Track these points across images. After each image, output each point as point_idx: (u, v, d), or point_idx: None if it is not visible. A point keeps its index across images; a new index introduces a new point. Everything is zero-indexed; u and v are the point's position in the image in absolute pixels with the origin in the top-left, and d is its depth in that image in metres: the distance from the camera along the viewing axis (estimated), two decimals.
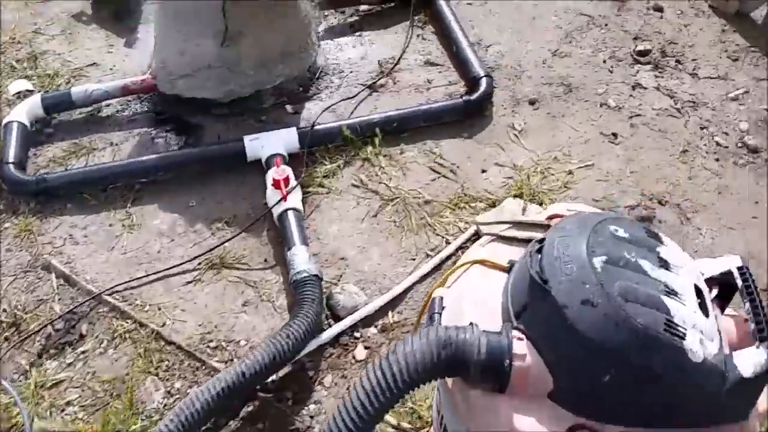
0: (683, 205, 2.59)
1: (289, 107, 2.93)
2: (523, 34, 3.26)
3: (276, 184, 2.43)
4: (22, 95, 2.93)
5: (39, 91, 2.93)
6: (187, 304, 2.30)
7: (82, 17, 3.26)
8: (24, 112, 2.73)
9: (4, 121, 2.70)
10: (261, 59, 2.79)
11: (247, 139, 2.63)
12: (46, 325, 2.23)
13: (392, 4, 3.33)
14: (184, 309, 2.29)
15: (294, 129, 2.68)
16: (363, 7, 3.32)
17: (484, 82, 2.87)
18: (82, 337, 2.24)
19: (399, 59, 3.12)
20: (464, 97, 2.84)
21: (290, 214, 2.40)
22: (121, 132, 2.84)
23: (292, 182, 2.48)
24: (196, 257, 2.40)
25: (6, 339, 2.22)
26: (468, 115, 2.85)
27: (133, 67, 3.05)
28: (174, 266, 2.38)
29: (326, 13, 3.32)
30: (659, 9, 3.40)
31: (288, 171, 2.48)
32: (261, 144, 2.63)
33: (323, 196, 2.62)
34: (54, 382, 2.12)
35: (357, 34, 3.26)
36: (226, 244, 2.43)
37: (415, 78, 3.06)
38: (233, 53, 2.72)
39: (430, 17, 3.28)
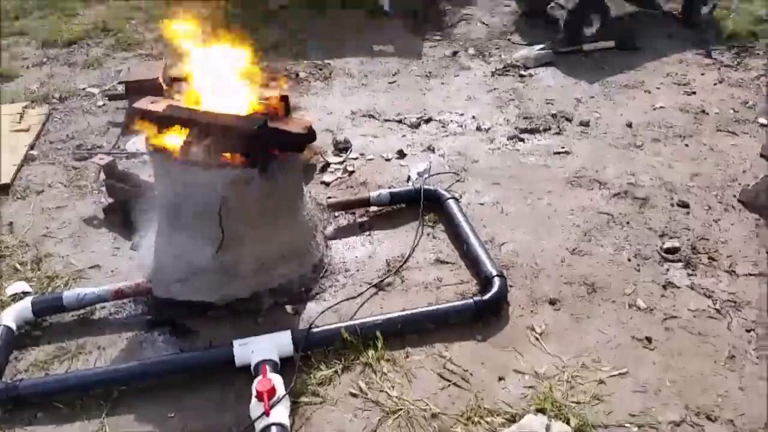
0: (737, 422, 2.18)
1: (289, 308, 2.75)
2: (538, 232, 3.13)
3: (259, 396, 2.16)
4: (17, 297, 2.86)
5: (36, 293, 2.87)
6: None
7: (93, 221, 3.30)
8: (11, 317, 2.62)
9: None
10: (259, 263, 2.69)
11: (236, 344, 2.43)
12: None
13: (402, 205, 3.30)
14: None
15: (288, 332, 2.47)
16: (373, 209, 3.29)
17: (497, 282, 2.68)
18: None
19: (408, 257, 2.99)
20: (476, 298, 2.63)
21: (273, 431, 2.09)
22: (111, 335, 2.68)
23: (279, 393, 2.20)
24: None
25: None
26: (481, 317, 2.61)
27: (134, 269, 2.98)
28: None
29: (336, 215, 3.29)
30: (685, 205, 3.27)
31: (274, 381, 2.22)
32: (251, 349, 2.41)
33: (317, 407, 2.31)
34: None
35: (366, 233, 3.18)
36: None
37: (425, 276, 2.89)
38: (230, 258, 2.64)
39: (440, 217, 3.22)
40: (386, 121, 4.21)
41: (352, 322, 2.55)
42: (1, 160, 3.75)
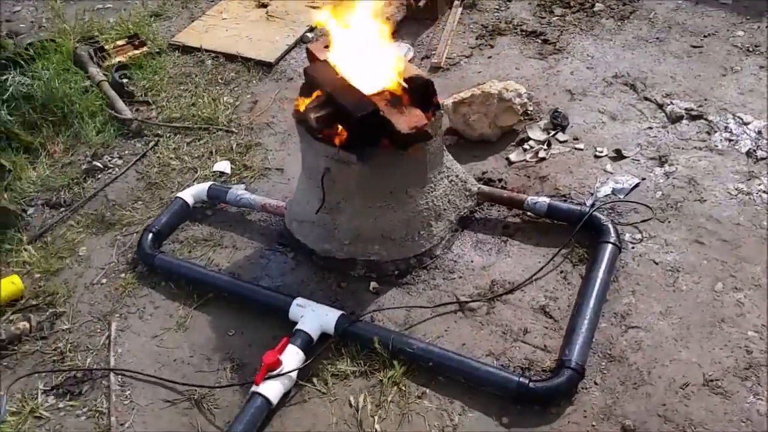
0: None
1: (373, 284, 2.77)
2: (690, 333, 2.39)
3: (262, 365, 2.36)
4: (218, 174, 3.48)
5: (235, 175, 3.44)
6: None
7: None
8: (191, 194, 3.25)
9: (176, 195, 3.26)
10: (355, 234, 2.71)
11: (295, 302, 2.61)
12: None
13: (563, 223, 2.80)
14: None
15: (337, 313, 2.54)
16: (530, 213, 2.88)
17: (566, 374, 2.22)
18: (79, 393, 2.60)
19: (514, 290, 2.63)
20: (522, 378, 2.24)
21: (256, 400, 2.31)
22: (249, 238, 3.12)
23: (284, 368, 2.37)
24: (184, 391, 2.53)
25: None
26: (521, 401, 2.24)
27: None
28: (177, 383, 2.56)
29: (493, 205, 2.98)
30: None
31: (286, 356, 2.38)
32: (303, 312, 2.58)
33: (317, 396, 2.43)
34: None
35: (503, 238, 2.85)
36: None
37: (514, 319, 2.54)
38: (330, 221, 2.72)
39: (590, 257, 2.65)
40: (646, 99, 3.39)
41: (393, 334, 2.47)
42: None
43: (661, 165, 3.03)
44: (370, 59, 2.58)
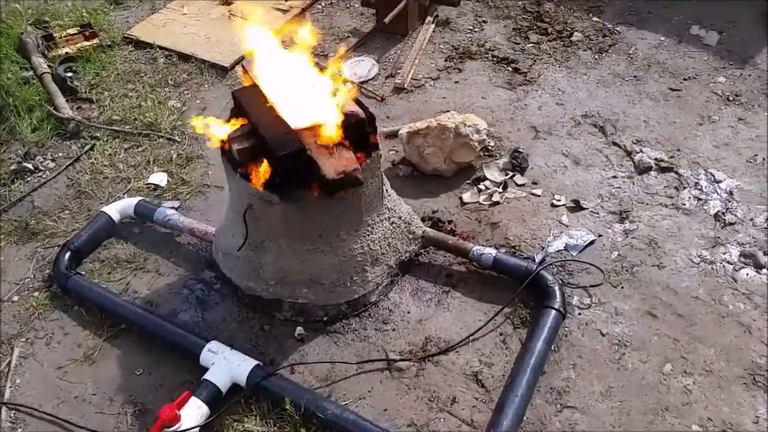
0: None
1: (299, 330, 2.54)
2: (629, 416, 2.17)
3: (156, 420, 2.13)
4: (152, 187, 3.23)
5: (171, 190, 3.19)
6: None
7: None
8: (117, 209, 2.99)
9: (101, 209, 3.00)
10: (281, 275, 2.48)
11: (207, 346, 2.38)
12: None
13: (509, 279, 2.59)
14: None
15: (251, 364, 2.32)
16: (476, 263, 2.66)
17: None
18: None
19: (446, 351, 2.41)
20: None
21: None
22: (173, 264, 2.88)
23: (182, 425, 2.14)
24: None
25: None
26: None
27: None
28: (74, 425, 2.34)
29: (432, 249, 2.76)
30: None
31: (184, 410, 2.16)
32: (215, 359, 2.35)
33: None
34: None
35: (445, 288, 2.63)
36: None
37: (443, 385, 2.32)
38: (255, 258, 2.48)
39: (532, 320, 2.44)
40: (614, 144, 3.17)
41: (308, 394, 2.24)
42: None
43: (621, 221, 2.82)
44: (306, 88, 2.33)
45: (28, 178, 3.34)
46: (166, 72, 3.90)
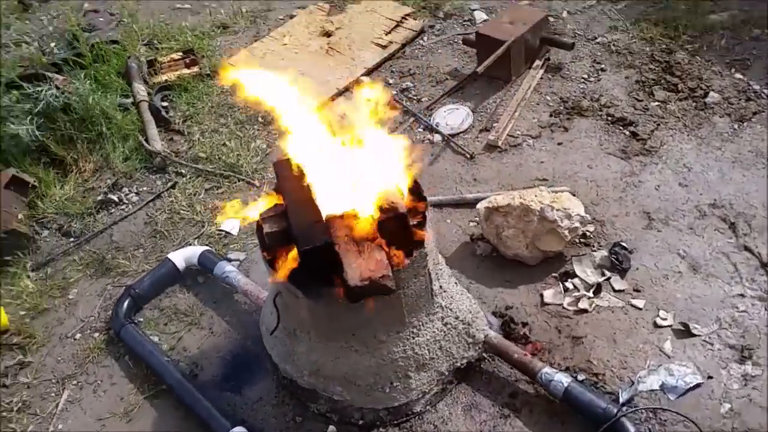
0: None
1: (332, 429, 2.32)
2: None
3: None
4: (223, 234, 3.15)
5: (242, 239, 3.10)
6: None
7: None
8: (183, 257, 2.95)
9: (168, 255, 2.95)
10: (316, 369, 2.27)
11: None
12: None
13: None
14: None
15: None
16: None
17: None
18: None
19: None
20: None
21: None
22: (226, 325, 2.78)
23: None
24: None
25: None
26: None
27: None
28: None
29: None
30: None
31: None
32: None
33: None
34: None
35: (504, 411, 2.28)
36: None
37: None
38: (289, 344, 2.29)
39: None
40: (746, 249, 2.61)
41: None
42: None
43: (741, 360, 2.29)
44: (348, 171, 2.07)
45: (112, 210, 3.41)
46: (258, 108, 3.81)
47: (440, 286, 2.26)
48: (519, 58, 3.60)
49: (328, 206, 2.04)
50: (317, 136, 2.16)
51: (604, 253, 2.69)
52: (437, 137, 3.46)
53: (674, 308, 2.49)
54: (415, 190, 2.20)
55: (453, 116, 3.55)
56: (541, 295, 2.62)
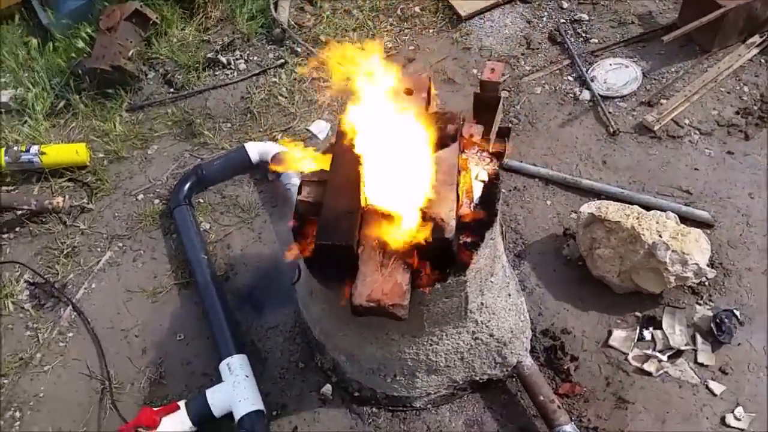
0: None
1: (326, 389, 2.35)
2: None
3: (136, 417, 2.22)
4: (309, 135, 3.12)
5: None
6: None
7: None
8: (257, 150, 2.95)
9: (244, 144, 3.00)
10: (325, 330, 2.25)
11: (227, 360, 2.35)
12: None
13: None
14: None
15: (252, 407, 2.24)
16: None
17: None
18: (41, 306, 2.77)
19: None
20: None
21: None
22: (274, 237, 2.82)
23: None
24: None
25: None
26: None
27: None
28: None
29: None
30: None
31: (167, 419, 2.22)
32: (227, 377, 2.32)
33: None
34: None
35: None
36: None
37: None
38: (306, 298, 2.27)
39: None
40: None
41: None
42: None
43: None
44: (409, 165, 1.87)
45: (217, 72, 3.47)
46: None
47: (482, 303, 2.05)
48: (733, 28, 2.93)
49: (376, 193, 1.85)
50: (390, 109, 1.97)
51: (709, 312, 2.29)
52: (585, 94, 3.04)
53: (758, 411, 2.10)
54: (488, 197, 1.99)
55: (617, 74, 3.07)
56: (609, 333, 2.32)
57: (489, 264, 2.03)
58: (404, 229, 1.79)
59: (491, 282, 2.09)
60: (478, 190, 2.01)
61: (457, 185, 1.89)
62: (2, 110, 3.48)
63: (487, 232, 1.90)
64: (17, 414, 2.48)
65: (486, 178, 2.03)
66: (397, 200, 1.84)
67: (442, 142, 1.95)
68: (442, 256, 1.80)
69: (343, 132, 1.98)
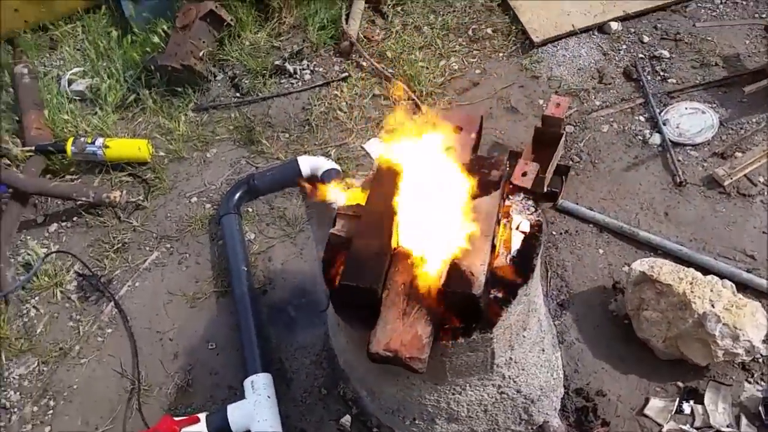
0: None
1: (345, 420, 2.34)
2: None
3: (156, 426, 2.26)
4: (364, 154, 3.10)
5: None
6: None
7: None
8: (309, 164, 2.97)
9: (297, 157, 3.01)
10: (347, 359, 2.22)
11: (250, 378, 2.38)
12: None
13: None
14: None
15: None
16: None
17: None
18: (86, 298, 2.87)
19: None
20: None
21: None
22: (315, 254, 2.79)
23: None
24: None
25: None
26: None
27: None
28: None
29: None
30: None
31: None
32: (249, 395, 2.35)
33: None
34: None
35: None
36: None
37: None
38: (335, 327, 2.25)
39: None
40: None
41: None
42: None
43: None
44: (445, 206, 1.81)
45: (283, 80, 3.49)
46: (476, 17, 3.48)
47: (510, 358, 1.97)
48: None
49: (409, 235, 1.83)
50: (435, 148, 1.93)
51: (758, 393, 2.14)
52: (656, 138, 2.89)
53: None
54: (527, 250, 1.92)
55: (692, 120, 2.89)
56: (646, 400, 2.20)
57: (522, 319, 1.96)
58: (432, 277, 1.75)
59: (523, 337, 2.02)
60: (517, 242, 1.94)
61: (494, 236, 1.83)
62: (78, 98, 3.63)
63: (521, 290, 1.83)
64: (51, 402, 2.58)
65: (527, 229, 1.96)
66: (429, 246, 1.80)
67: (484, 189, 1.89)
68: (468, 310, 1.74)
69: (382, 167, 1.95)
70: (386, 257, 1.80)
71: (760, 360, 2.21)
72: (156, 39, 3.64)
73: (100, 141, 3.22)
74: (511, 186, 2.15)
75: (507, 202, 2.01)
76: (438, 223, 1.81)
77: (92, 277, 2.90)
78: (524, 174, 2.56)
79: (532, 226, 1.96)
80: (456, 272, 1.72)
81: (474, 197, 1.86)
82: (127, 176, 3.26)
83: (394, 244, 1.84)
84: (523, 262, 1.89)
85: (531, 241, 1.93)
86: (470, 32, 3.45)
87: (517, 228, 1.96)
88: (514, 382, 2.05)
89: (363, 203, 1.95)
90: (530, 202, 2.05)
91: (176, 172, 3.23)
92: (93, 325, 2.76)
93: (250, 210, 3.01)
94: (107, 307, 2.81)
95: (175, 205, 3.11)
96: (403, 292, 1.76)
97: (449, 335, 1.77)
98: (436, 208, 1.83)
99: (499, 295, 1.83)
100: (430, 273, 1.75)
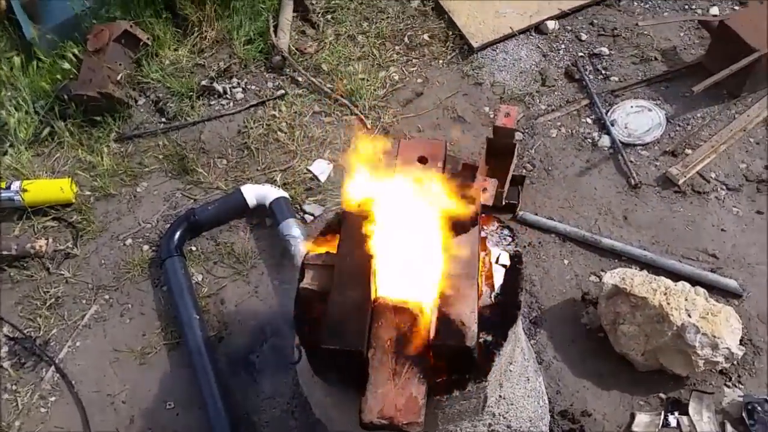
0: None
1: None
2: None
3: None
4: (310, 177, 2.96)
5: (329, 189, 2.91)
6: None
7: None
8: (255, 194, 2.80)
9: (240, 188, 2.84)
10: (327, 417, 2.10)
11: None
12: None
13: None
14: None
15: None
16: None
17: None
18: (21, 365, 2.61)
19: None
20: None
21: None
22: (273, 292, 2.67)
23: None
24: None
25: None
26: None
27: None
28: None
29: None
30: None
31: None
32: None
33: None
34: None
35: None
36: None
37: None
38: (308, 378, 2.13)
39: None
40: None
41: None
42: None
43: None
44: (423, 249, 1.72)
45: (213, 102, 3.28)
46: (411, 23, 3.37)
47: (500, 395, 1.91)
48: (764, 74, 2.80)
49: (388, 283, 1.71)
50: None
51: (739, 398, 2.16)
52: (605, 140, 2.88)
53: None
54: (510, 284, 1.83)
55: (639, 118, 2.91)
56: (632, 416, 2.19)
57: (509, 353, 1.89)
58: (419, 329, 1.65)
59: (510, 371, 1.95)
60: (499, 277, 1.87)
61: (477, 277, 1.74)
62: None
63: (510, 329, 1.76)
64: None
65: (507, 262, 1.89)
66: (411, 294, 1.70)
67: (460, 226, 1.80)
68: (461, 361, 1.66)
69: (350, 210, 1.83)
70: (368, 312, 1.68)
71: (736, 362, 2.24)
72: (66, 65, 3.35)
73: (16, 185, 2.93)
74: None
75: (482, 233, 1.93)
76: (417, 269, 1.71)
77: (26, 340, 2.64)
78: (484, 190, 2.50)
79: (511, 258, 1.89)
80: (445, 324, 1.61)
81: (452, 233, 1.77)
82: (52, 221, 2.98)
83: (373, 295, 1.73)
84: (508, 299, 1.81)
85: (513, 274, 1.86)
86: (406, 39, 3.33)
87: (496, 261, 1.89)
88: (504, 418, 1.98)
89: (331, 251, 1.82)
90: (506, 231, 1.97)
91: (105, 212, 2.97)
92: (33, 395, 2.50)
93: (194, 248, 2.81)
94: (47, 372, 2.55)
95: (109, 249, 2.87)
96: (390, 349, 1.64)
97: (443, 388, 1.68)
98: (413, 251, 1.73)
99: (489, 338, 1.75)
100: (417, 326, 1.65)
